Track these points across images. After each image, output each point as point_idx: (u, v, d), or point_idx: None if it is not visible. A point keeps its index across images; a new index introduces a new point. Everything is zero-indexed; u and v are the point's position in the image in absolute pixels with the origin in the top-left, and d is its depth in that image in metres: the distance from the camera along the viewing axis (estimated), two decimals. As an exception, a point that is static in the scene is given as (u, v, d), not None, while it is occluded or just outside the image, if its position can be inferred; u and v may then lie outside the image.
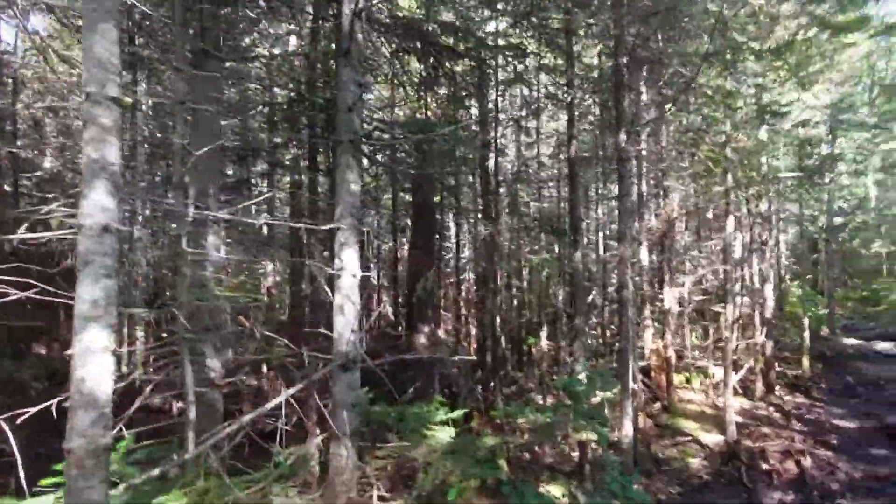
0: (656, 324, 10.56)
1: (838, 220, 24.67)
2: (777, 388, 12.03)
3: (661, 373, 10.77)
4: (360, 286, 4.89)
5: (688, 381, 11.92)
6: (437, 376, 8.67)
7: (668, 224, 9.76)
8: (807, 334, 13.94)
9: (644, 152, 10.53)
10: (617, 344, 10.59)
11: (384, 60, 9.91)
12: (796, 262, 27.41)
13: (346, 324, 4.76)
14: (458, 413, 5.47)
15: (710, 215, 12.48)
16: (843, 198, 28.66)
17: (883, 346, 15.35)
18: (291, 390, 4.28)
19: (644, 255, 10.54)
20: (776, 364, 13.57)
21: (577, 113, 10.31)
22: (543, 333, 11.57)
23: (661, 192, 11.67)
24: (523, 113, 12.32)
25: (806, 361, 13.80)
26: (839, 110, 19.66)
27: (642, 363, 10.74)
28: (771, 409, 11.30)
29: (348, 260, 4.78)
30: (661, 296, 10.12)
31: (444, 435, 5.35)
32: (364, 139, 4.90)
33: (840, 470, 8.71)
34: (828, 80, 16.12)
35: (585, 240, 14.41)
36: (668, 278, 9.98)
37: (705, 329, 13.22)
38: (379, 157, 9.00)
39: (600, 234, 14.90)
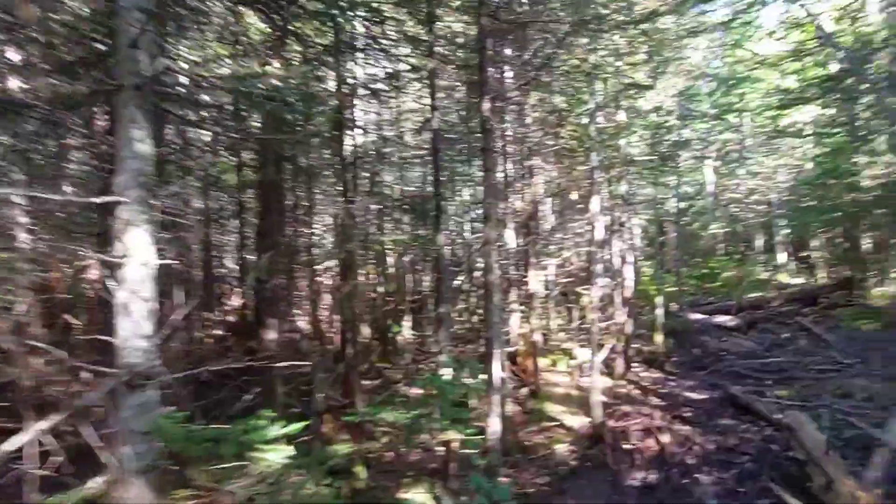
0: (523, 308, 10.27)
1: (683, 204, 26.69)
2: (635, 364, 12.36)
3: (528, 357, 10.51)
4: (155, 277, 3.75)
5: (554, 363, 11.85)
6: (282, 379, 7.60)
7: (534, 205, 9.44)
8: (660, 311, 14.54)
9: (509, 130, 10.13)
10: (483, 331, 10.14)
11: (219, 14, 8.52)
12: (648, 243, 29.32)
13: (133, 328, 3.61)
14: (295, 427, 4.52)
15: (574, 197, 12.54)
16: (688, 183, 31.20)
17: (721, 319, 16.53)
18: (44, 423, 3.09)
19: (510, 238, 10.16)
20: (634, 341, 14.01)
21: (440, 84, 9.61)
22: (408, 321, 10.87)
23: (527, 173, 11.41)
24: (384, 87, 11.44)
25: (659, 337, 14.40)
26: (687, 99, 20.85)
27: (509, 349, 10.41)
28: (630, 386, 11.54)
29: (135, 244, 3.62)
30: (526, 279, 9.82)
31: (277, 455, 4.41)
32: (157, 85, 3.74)
33: (696, 444, 8.92)
34: (680, 70, 16.93)
35: (452, 223, 13.91)
36: (533, 261, 9.70)
37: (570, 311, 13.33)
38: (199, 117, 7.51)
39: (467, 218, 14.50)
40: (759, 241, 28.19)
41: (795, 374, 11.86)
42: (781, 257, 26.20)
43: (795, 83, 20.08)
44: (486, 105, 7.08)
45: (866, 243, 18.67)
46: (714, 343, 15.13)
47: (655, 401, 10.86)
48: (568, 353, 11.31)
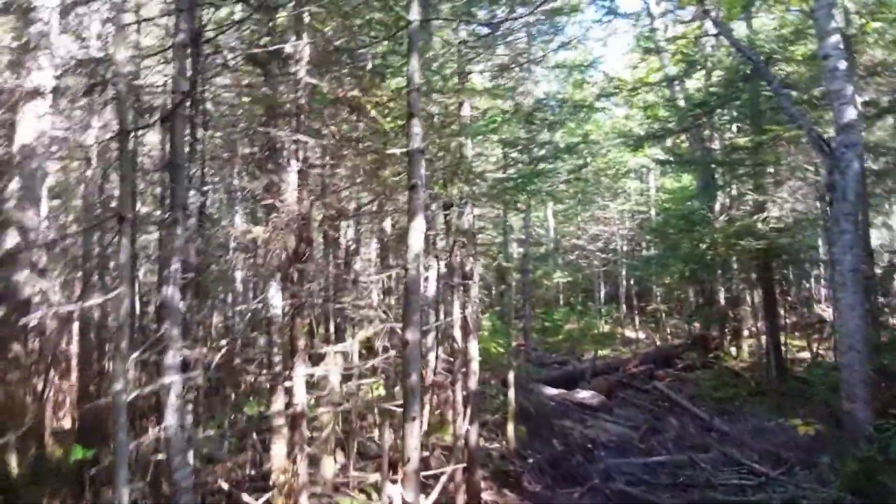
0: (286, 430, 5.56)
1: (523, 250, 24.11)
2: (483, 490, 8.15)
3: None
4: None
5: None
6: None
7: (300, 232, 4.91)
8: (511, 393, 10.68)
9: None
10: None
11: None
12: (487, 292, 26.24)
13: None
14: None
15: (386, 226, 8.32)
16: (532, 227, 29.00)
17: (581, 395, 13.18)
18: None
19: (273, 295, 5.48)
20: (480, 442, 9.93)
21: None
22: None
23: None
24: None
25: (511, 428, 10.48)
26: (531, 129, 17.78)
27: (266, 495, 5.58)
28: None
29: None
30: (289, 383, 5.21)
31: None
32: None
33: None
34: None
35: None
36: (301, 345, 5.16)
37: (381, 423, 8.80)
38: None
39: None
40: (602, 292, 26.37)
41: (701, 482, 8.53)
42: (624, 309, 24.47)
43: (647, 120, 18.22)
44: None
45: (724, 297, 16.81)
46: (578, 429, 11.60)
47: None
48: (372, 491, 6.71)
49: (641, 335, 22.73)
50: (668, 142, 21.38)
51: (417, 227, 4.45)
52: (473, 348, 7.49)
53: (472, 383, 7.41)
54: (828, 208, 8.68)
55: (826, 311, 18.32)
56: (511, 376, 10.71)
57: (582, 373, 16.61)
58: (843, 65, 8.10)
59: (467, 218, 7.37)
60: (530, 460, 10.20)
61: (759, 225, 13.07)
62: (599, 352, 21.15)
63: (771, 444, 9.82)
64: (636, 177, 23.65)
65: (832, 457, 7.62)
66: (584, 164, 11.67)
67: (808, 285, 20.25)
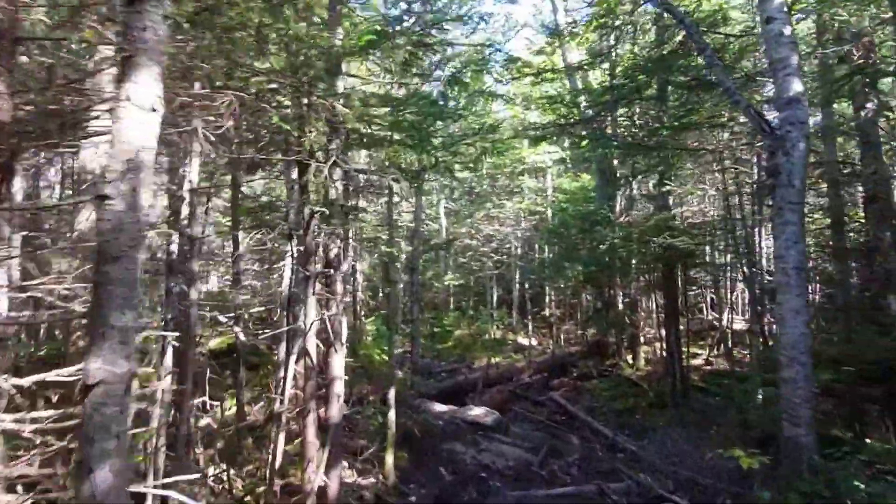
0: None
1: (412, 247, 22.26)
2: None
3: None
4: None
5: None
6: None
7: None
8: (392, 414, 8.72)
9: None
10: None
11: None
12: (372, 295, 24.13)
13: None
14: None
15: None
16: (424, 224, 27.19)
17: (474, 412, 11.46)
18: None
19: None
20: (353, 476, 7.92)
21: None
22: None
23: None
24: None
25: (390, 459, 8.51)
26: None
27: None
28: None
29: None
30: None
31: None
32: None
33: None
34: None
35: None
36: None
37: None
38: None
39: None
40: (494, 296, 25.09)
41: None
42: (516, 315, 23.31)
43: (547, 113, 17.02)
44: None
45: (622, 302, 15.87)
46: (470, 454, 9.82)
47: None
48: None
49: (534, 341, 21.65)
50: (567, 142, 20.52)
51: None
52: (338, 364, 5.39)
53: (335, 411, 5.30)
54: (767, 198, 7.46)
55: (717, 318, 18.13)
56: (392, 394, 8.73)
57: (473, 383, 14.99)
58: (787, 30, 6.96)
59: (337, 183, 5.27)
60: (412, 498, 8.27)
61: (667, 224, 12.07)
62: (492, 359, 19.81)
63: (687, 470, 8.60)
64: (532, 176, 22.61)
65: (772, 491, 6.35)
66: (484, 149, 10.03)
67: (695, 289, 20.09)
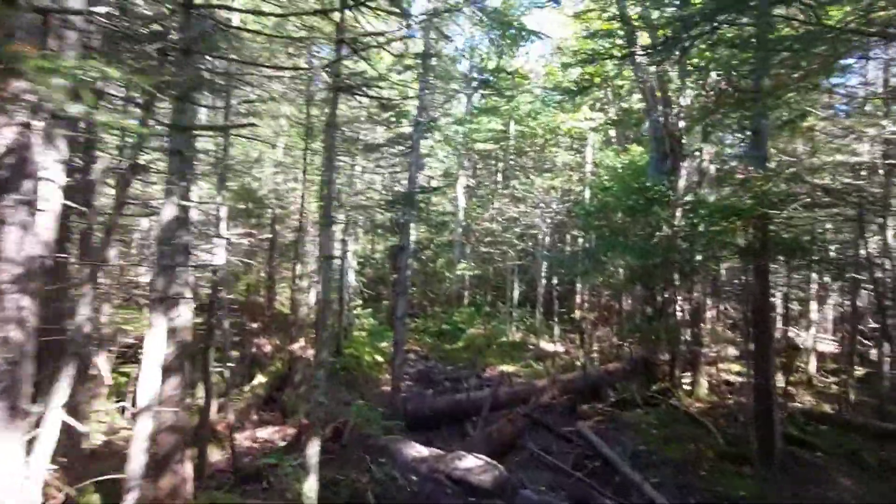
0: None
1: (421, 235, 18.67)
2: None
3: None
4: None
5: None
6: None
7: None
8: (312, 482, 5.08)
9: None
10: None
11: None
12: (370, 281, 20.57)
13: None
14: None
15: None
16: (436, 211, 23.60)
17: (468, 464, 7.75)
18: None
19: None
20: None
21: None
22: None
23: None
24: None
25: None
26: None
27: None
28: None
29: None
30: None
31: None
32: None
33: None
34: None
35: None
36: None
37: None
38: None
39: None
40: (515, 291, 21.27)
41: None
42: (540, 315, 19.46)
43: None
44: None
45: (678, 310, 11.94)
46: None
47: None
48: None
49: (560, 348, 17.89)
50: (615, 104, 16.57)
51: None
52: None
53: None
54: None
55: (800, 335, 14.09)
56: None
57: (478, 405, 11.34)
58: None
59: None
60: None
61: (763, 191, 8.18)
62: (506, 367, 16.15)
63: None
64: (568, 149, 18.70)
65: None
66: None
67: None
